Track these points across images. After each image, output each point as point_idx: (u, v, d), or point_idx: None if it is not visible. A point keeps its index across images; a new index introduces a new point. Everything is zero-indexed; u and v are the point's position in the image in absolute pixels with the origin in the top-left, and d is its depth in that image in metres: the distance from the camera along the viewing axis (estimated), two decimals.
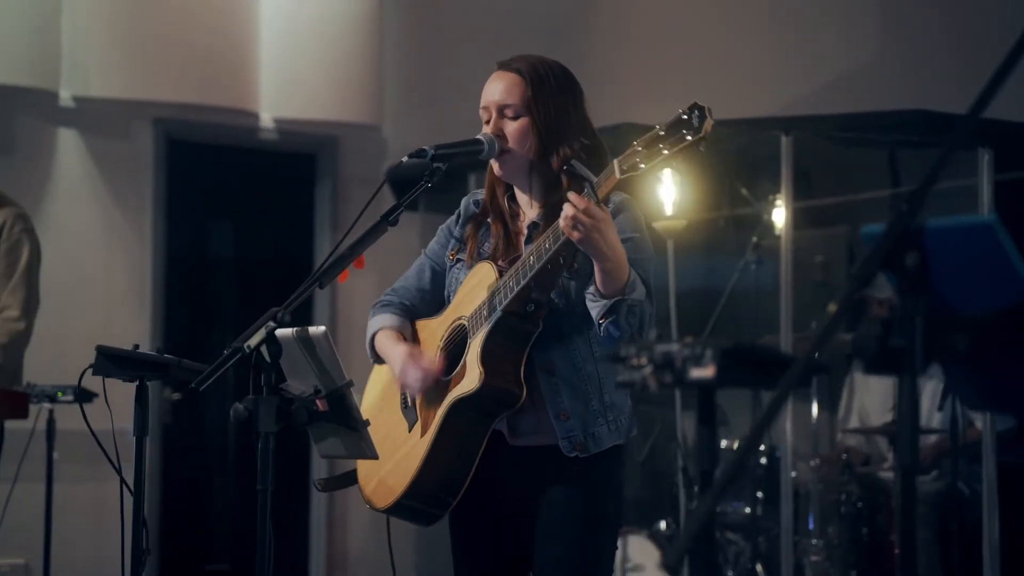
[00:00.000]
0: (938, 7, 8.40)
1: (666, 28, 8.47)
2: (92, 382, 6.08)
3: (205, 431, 8.36)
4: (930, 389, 6.86)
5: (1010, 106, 7.56)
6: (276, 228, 8.50)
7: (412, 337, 3.75)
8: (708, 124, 3.13)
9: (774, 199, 6.85)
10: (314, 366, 3.32)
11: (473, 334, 3.52)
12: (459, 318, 3.61)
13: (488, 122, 3.63)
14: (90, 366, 3.77)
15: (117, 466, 3.89)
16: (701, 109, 3.13)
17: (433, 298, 3.79)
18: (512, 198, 3.70)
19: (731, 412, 7.26)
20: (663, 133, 3.17)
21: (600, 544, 3.56)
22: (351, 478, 3.82)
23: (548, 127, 3.54)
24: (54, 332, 7.45)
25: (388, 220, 3.49)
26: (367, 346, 3.78)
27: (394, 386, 3.75)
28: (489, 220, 3.70)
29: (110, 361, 3.72)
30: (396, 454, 3.59)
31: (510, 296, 3.42)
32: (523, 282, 3.40)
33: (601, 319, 3.32)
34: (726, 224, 7.75)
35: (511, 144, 3.57)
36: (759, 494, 6.79)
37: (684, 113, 3.15)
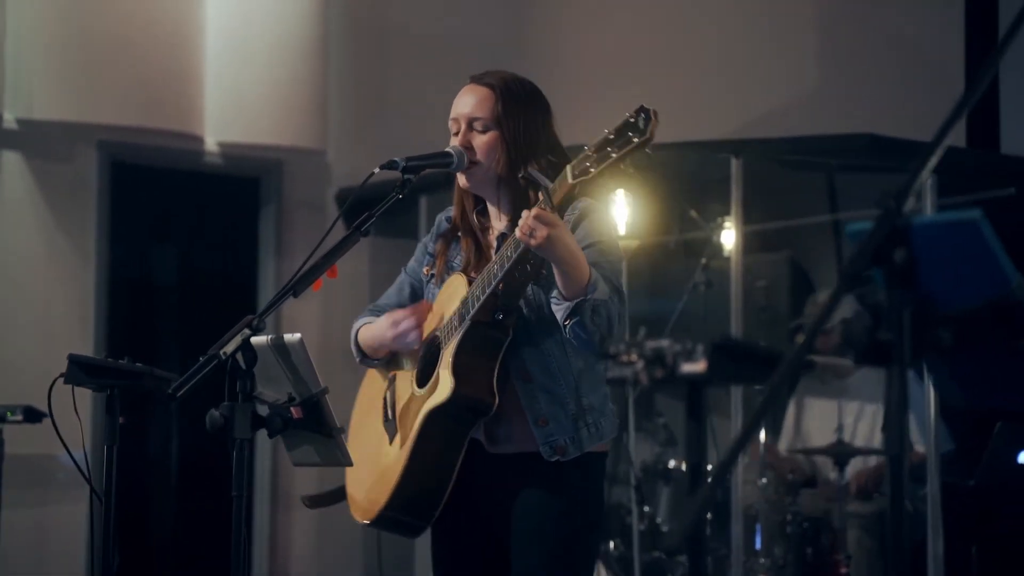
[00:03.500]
0: (873, 37, 8.56)
1: (611, 50, 8.55)
2: (40, 402, 6.11)
3: (149, 454, 8.33)
4: (871, 411, 6.96)
5: (955, 131, 7.71)
6: (220, 251, 8.50)
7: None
8: (653, 126, 3.19)
9: (722, 221, 6.94)
10: (289, 373, 3.35)
11: (445, 344, 3.56)
12: (434, 330, 3.65)
13: (457, 134, 3.67)
14: (61, 375, 3.76)
15: (87, 475, 3.85)
16: (647, 111, 3.21)
17: None
18: (483, 212, 3.75)
19: (679, 433, 7.32)
20: (612, 137, 3.24)
21: (577, 552, 3.59)
22: (340, 494, 3.83)
23: (516, 141, 3.59)
24: None
25: (360, 230, 3.55)
26: (353, 347, 3.80)
27: (376, 401, 3.79)
28: (460, 235, 3.75)
29: (82, 370, 3.72)
30: (378, 467, 3.62)
31: (477, 305, 3.48)
32: (488, 290, 3.46)
33: (565, 321, 3.37)
34: (676, 247, 7.84)
35: (479, 157, 3.62)
36: (708, 515, 6.84)
37: (631, 116, 3.23)
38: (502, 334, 3.51)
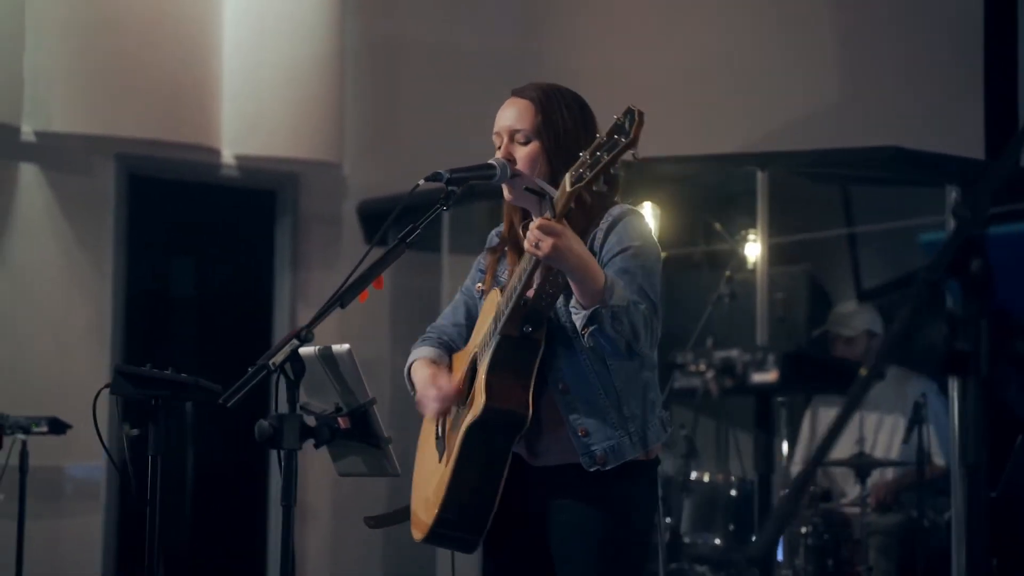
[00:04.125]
0: (892, 49, 8.57)
1: (627, 63, 8.56)
2: (67, 414, 6.12)
3: (163, 467, 8.31)
4: (890, 423, 6.98)
5: (973, 145, 7.74)
6: (236, 264, 8.52)
7: (449, 368, 3.79)
8: (636, 128, 3.16)
9: (746, 234, 6.97)
10: (336, 384, 3.36)
11: (480, 361, 3.57)
12: (476, 347, 3.66)
13: (500, 148, 3.67)
14: (106, 385, 3.78)
15: (133, 482, 3.86)
16: (633, 113, 3.18)
17: (469, 332, 3.84)
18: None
19: (700, 445, 7.33)
20: (604, 140, 3.22)
21: (623, 563, 3.56)
22: (403, 514, 3.81)
23: (558, 152, 3.58)
24: (13, 367, 7.44)
25: (406, 242, 3.55)
26: (406, 379, 3.81)
27: (431, 422, 3.80)
28: (507, 249, 3.76)
29: (128, 380, 3.73)
30: (431, 485, 3.62)
31: (503, 319, 3.48)
32: (511, 305, 3.46)
33: (583, 329, 3.36)
34: (701, 259, 7.86)
35: (521, 168, 3.62)
36: (730, 527, 6.85)
37: (619, 118, 3.20)
38: (533, 347, 3.50)
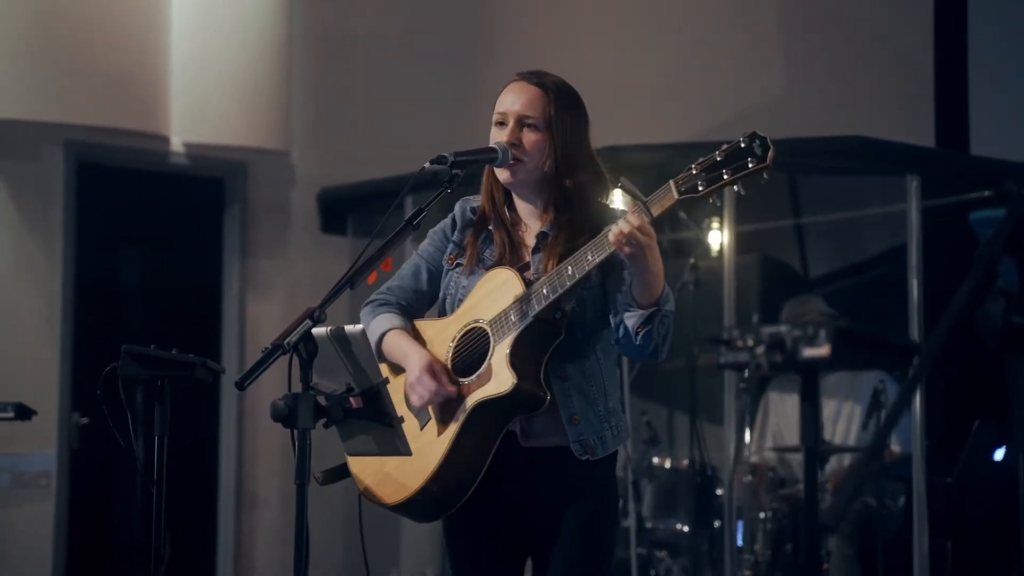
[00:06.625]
0: (839, 39, 8.69)
1: (577, 56, 8.59)
2: (32, 400, 6.07)
3: (113, 456, 8.26)
4: (847, 411, 7.05)
5: (923, 134, 7.82)
6: (185, 252, 8.47)
7: (415, 338, 3.81)
8: (771, 153, 3.30)
9: (710, 222, 7.06)
10: (348, 364, 3.37)
11: (499, 338, 3.60)
12: (475, 321, 3.68)
13: (501, 124, 3.70)
14: (113, 365, 3.78)
15: (141, 464, 3.85)
16: (762, 139, 3.31)
17: (429, 300, 3.89)
18: (511, 206, 3.79)
19: (664, 431, 7.40)
20: (721, 159, 3.34)
21: (608, 544, 3.73)
22: (345, 471, 3.84)
23: (566, 146, 3.67)
24: None
25: (412, 224, 3.56)
26: (373, 345, 3.78)
27: (398, 383, 3.79)
28: (490, 227, 3.79)
29: (135, 360, 3.73)
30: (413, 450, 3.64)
31: (544, 303, 3.54)
32: (560, 291, 3.52)
33: (639, 328, 3.48)
34: (666, 247, 7.92)
35: (527, 155, 3.66)
36: (692, 513, 6.92)
37: (743, 141, 3.33)
38: (556, 332, 3.59)
